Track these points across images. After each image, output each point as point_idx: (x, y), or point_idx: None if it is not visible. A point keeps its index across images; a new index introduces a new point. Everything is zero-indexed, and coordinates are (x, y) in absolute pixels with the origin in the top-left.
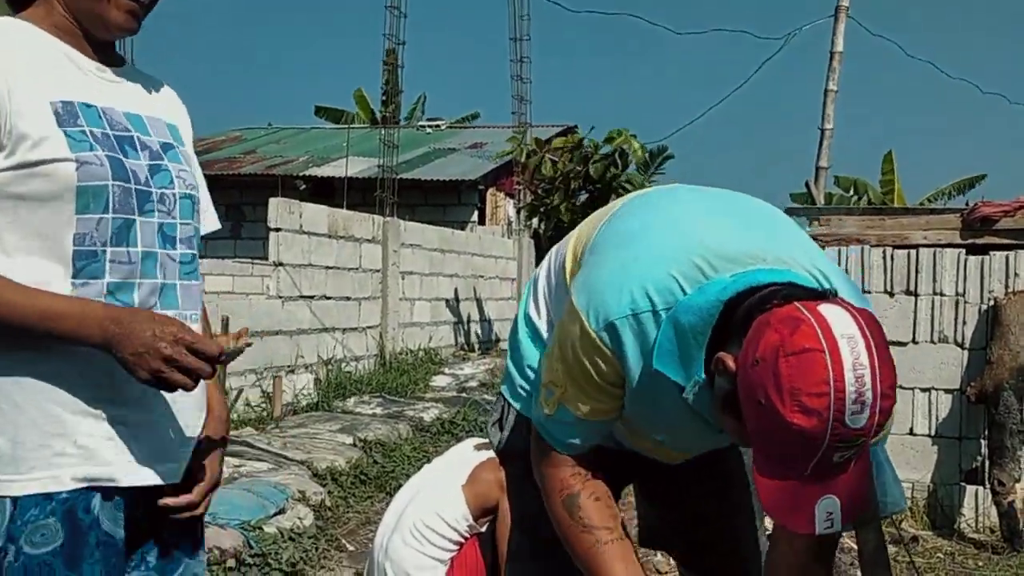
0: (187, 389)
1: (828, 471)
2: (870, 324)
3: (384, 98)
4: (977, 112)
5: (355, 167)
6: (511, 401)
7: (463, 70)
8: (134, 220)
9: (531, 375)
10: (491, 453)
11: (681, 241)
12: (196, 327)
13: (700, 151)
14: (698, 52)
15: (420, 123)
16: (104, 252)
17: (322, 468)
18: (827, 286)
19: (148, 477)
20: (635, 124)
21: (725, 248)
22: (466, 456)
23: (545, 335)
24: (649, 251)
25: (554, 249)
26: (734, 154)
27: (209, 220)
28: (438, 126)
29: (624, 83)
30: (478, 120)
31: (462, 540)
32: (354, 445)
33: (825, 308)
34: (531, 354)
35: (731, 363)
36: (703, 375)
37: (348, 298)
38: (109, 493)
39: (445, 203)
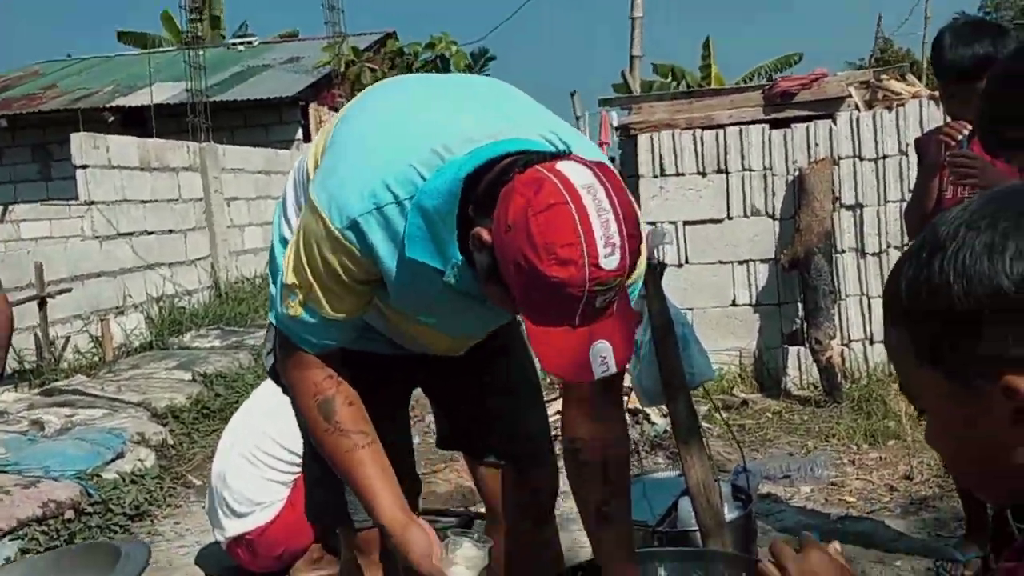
0: None
1: (594, 316)
2: (606, 173)
3: (192, 16)
4: None
5: (164, 93)
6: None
7: None
8: None
9: None
10: None
11: (415, 130)
12: None
13: (520, 49)
14: None
15: (230, 41)
16: None
17: (161, 407)
18: (563, 148)
19: None
20: (452, 26)
21: (458, 129)
22: None
23: None
24: (385, 144)
25: (297, 162)
26: (554, 49)
27: None
28: (250, 43)
29: None
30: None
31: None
32: (194, 380)
33: (562, 165)
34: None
35: (486, 236)
36: (459, 255)
37: (171, 231)
38: None
39: (267, 123)
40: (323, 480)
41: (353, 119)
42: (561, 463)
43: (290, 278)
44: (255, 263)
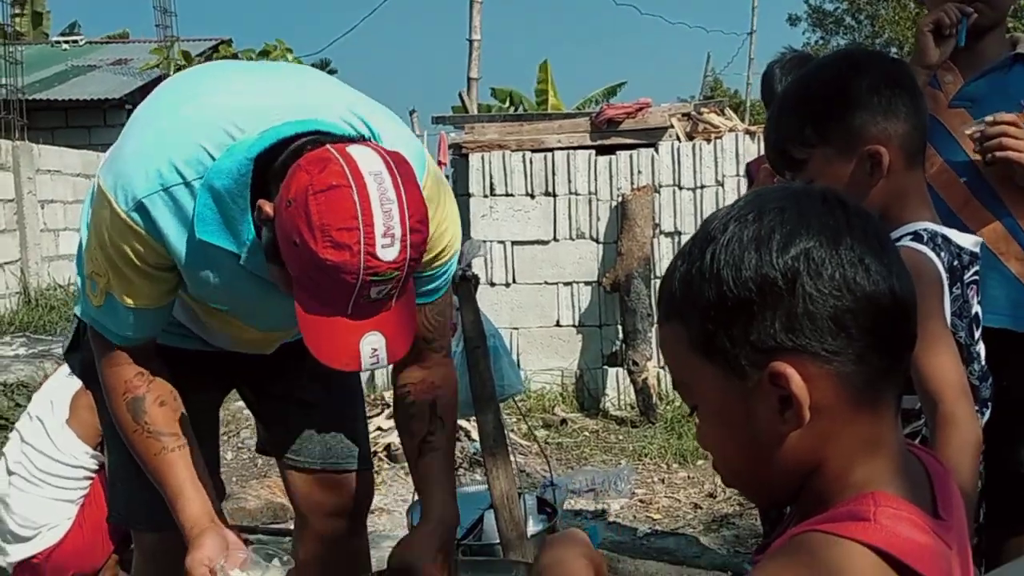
0: None
1: (368, 307)
2: (399, 163)
3: (13, 11)
4: (612, 22)
5: None
6: (85, 319)
7: None
8: None
9: None
10: None
11: (205, 110)
12: None
13: (360, 64)
14: None
15: (54, 39)
16: None
17: None
18: (364, 131)
19: None
20: (290, 36)
21: (249, 107)
22: (63, 387)
23: None
24: (173, 124)
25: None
26: (395, 66)
27: None
28: (76, 42)
29: None
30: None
31: (91, 475)
32: None
33: (353, 148)
34: None
35: (269, 209)
36: (252, 235)
37: None
38: None
39: (89, 124)
40: (123, 474)
41: (147, 103)
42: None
43: (88, 267)
44: (70, 269)
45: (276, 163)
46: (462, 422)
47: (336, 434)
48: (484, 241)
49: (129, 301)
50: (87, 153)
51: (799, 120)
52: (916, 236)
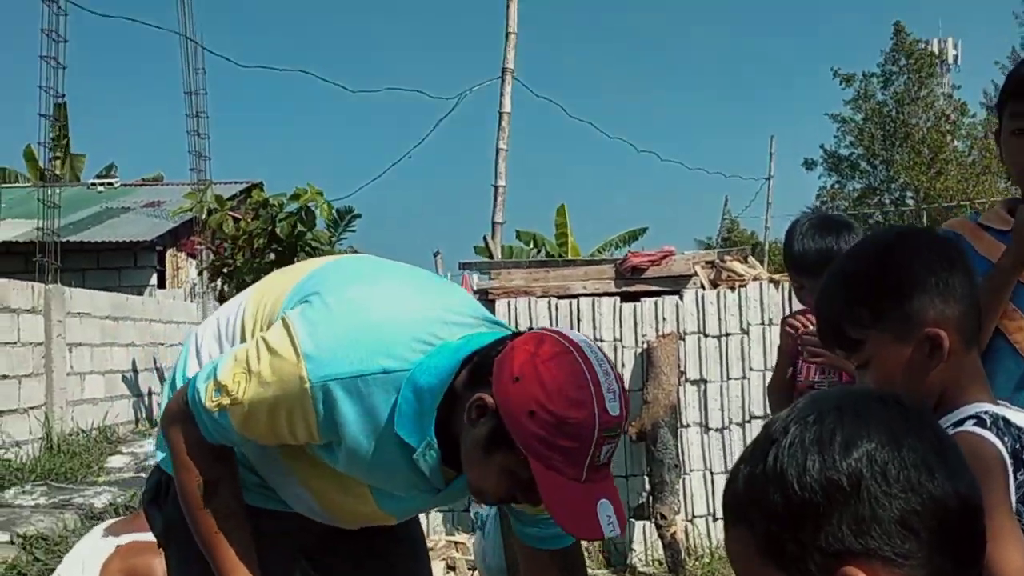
0: None
1: (598, 471)
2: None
3: (52, 155)
4: (635, 168)
5: (14, 230)
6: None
7: (142, 129)
8: None
9: None
10: (119, 540)
11: (410, 312)
12: None
13: (386, 209)
14: (375, 110)
15: (91, 181)
16: None
17: None
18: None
19: None
20: (319, 181)
21: (446, 314)
22: (95, 552)
23: None
24: (385, 319)
25: (221, 312)
26: (420, 211)
27: None
28: (110, 184)
29: (304, 140)
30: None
31: None
32: (11, 543)
33: (553, 330)
34: None
35: (489, 399)
36: (433, 435)
37: (5, 376)
38: None
39: (120, 266)
40: None
41: (340, 285)
42: None
43: (225, 377)
44: (94, 413)
45: (471, 363)
46: None
47: None
48: None
49: (246, 432)
50: (117, 296)
51: (853, 300)
52: (979, 420)
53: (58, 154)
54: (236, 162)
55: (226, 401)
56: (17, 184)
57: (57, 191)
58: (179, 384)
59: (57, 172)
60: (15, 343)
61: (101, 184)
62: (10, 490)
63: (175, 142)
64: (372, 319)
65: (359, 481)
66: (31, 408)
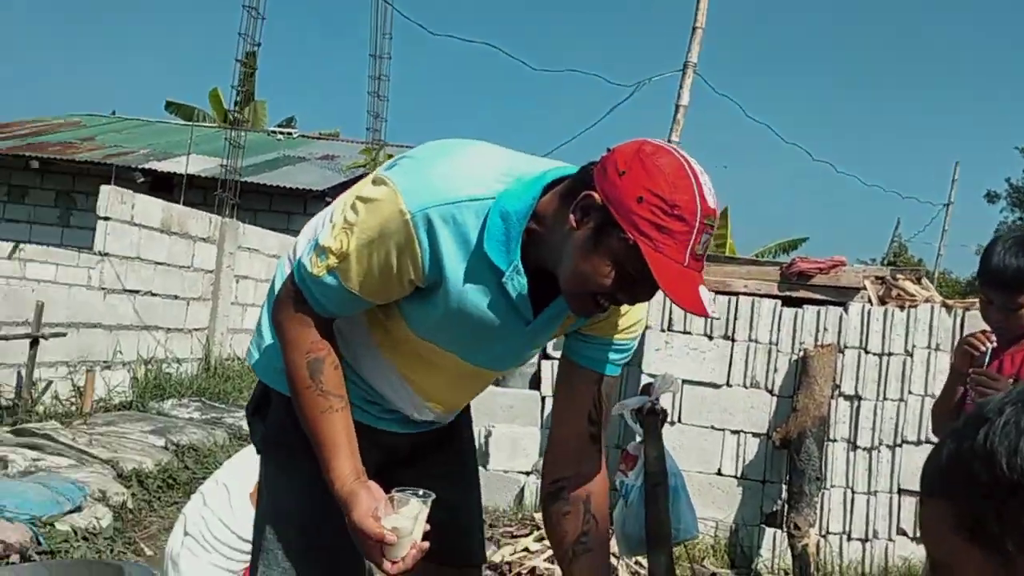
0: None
1: (697, 260)
2: None
3: (239, 99)
4: (807, 176)
5: (198, 165)
6: (272, 384)
7: (324, 85)
8: None
9: None
10: None
11: (492, 152)
12: None
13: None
14: (554, 88)
15: (272, 129)
16: None
17: (128, 469)
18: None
19: None
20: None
21: (526, 157)
22: (254, 459)
23: None
24: (466, 161)
25: (310, 224)
26: None
27: None
28: (290, 134)
29: (481, 111)
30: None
31: None
32: (165, 448)
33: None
34: None
35: (595, 196)
36: (519, 259)
37: (176, 297)
38: None
39: (290, 211)
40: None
41: (429, 147)
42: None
43: (327, 241)
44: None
45: (561, 185)
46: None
47: (463, 527)
48: (678, 378)
49: (355, 287)
50: (285, 237)
51: None
52: None
53: (244, 100)
54: (411, 126)
55: (333, 261)
56: (204, 124)
57: (243, 134)
58: (267, 301)
59: (242, 116)
60: (188, 267)
61: (281, 133)
62: (168, 401)
63: (355, 100)
64: (458, 159)
65: (445, 350)
66: (195, 330)
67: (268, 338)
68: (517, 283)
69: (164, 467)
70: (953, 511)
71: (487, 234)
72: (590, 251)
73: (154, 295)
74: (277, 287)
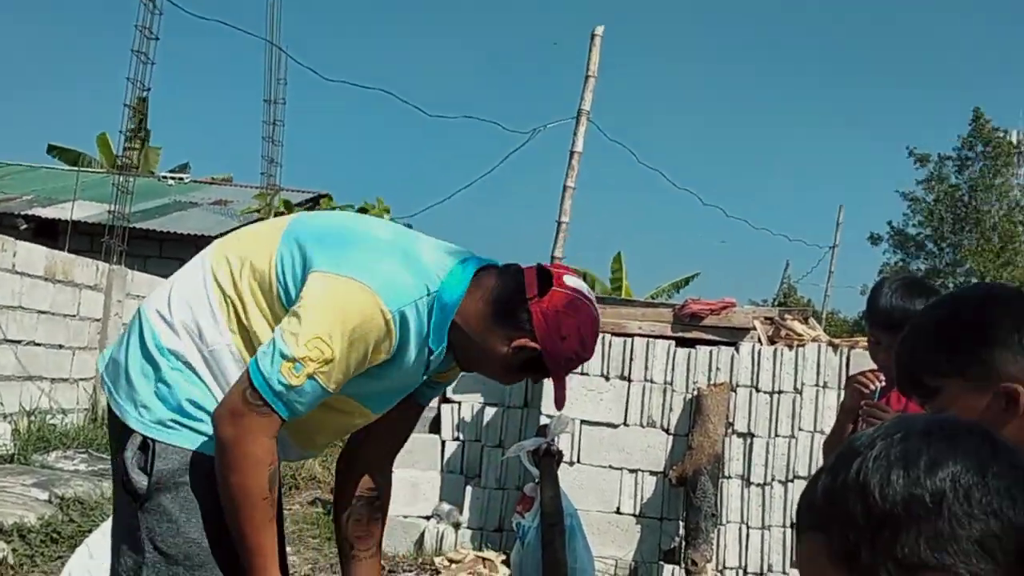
0: None
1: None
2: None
3: (128, 144)
4: (697, 220)
5: (85, 211)
6: (163, 439)
7: (217, 130)
8: None
9: (190, 408)
10: None
11: (420, 244)
12: None
13: (448, 231)
14: (449, 135)
15: (163, 174)
16: None
17: (8, 523)
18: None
19: None
20: (385, 198)
21: (439, 245)
22: None
23: (199, 360)
24: (410, 257)
25: (174, 282)
26: (480, 237)
27: None
28: (181, 179)
29: (376, 155)
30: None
31: None
32: (49, 501)
33: (565, 277)
34: (187, 388)
35: (533, 344)
36: (446, 339)
37: (61, 346)
38: None
39: (181, 257)
40: None
41: (366, 230)
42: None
43: (300, 352)
44: None
45: (493, 288)
46: None
47: None
48: (573, 419)
49: (334, 385)
50: None
51: (936, 350)
52: None
53: (135, 145)
54: (306, 171)
55: (311, 368)
56: (91, 169)
57: (132, 179)
58: (138, 353)
59: (132, 162)
60: (74, 316)
61: (172, 178)
62: (52, 453)
63: (249, 145)
64: (407, 254)
65: (347, 397)
66: (81, 379)
67: (142, 391)
68: (441, 355)
69: (47, 521)
70: (829, 544)
71: (433, 324)
72: (510, 367)
73: (37, 344)
74: (148, 340)
